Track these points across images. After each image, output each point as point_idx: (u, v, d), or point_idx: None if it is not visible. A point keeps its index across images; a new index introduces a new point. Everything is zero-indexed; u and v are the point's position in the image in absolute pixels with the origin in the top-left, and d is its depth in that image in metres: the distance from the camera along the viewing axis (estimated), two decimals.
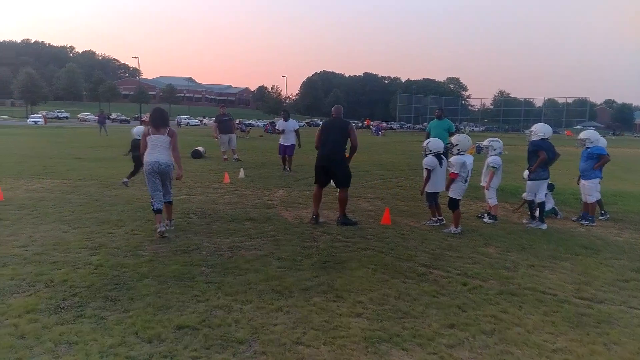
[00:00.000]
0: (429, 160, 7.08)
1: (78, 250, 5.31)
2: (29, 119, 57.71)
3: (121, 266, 4.83)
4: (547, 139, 7.51)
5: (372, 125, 69.40)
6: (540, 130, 7.52)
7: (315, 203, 7.28)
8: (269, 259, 5.26)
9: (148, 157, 6.28)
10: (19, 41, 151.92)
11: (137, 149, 10.57)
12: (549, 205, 8.07)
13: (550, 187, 8.13)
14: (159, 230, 6.06)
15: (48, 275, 4.48)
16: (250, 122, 58.47)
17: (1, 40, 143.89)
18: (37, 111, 72.50)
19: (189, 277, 4.59)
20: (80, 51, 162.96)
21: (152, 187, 6.25)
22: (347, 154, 7.31)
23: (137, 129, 11.32)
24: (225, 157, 16.16)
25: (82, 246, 5.47)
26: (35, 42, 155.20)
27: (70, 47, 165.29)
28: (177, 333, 3.46)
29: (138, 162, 10.37)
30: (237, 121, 31.73)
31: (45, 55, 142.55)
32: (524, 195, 7.74)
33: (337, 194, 7.35)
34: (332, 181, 7.43)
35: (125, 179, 10.12)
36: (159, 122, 6.43)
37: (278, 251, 5.58)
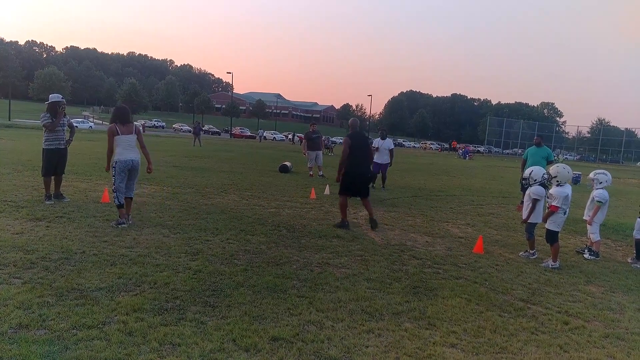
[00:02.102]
0: (538, 190, 6.72)
1: (178, 255, 5.62)
2: None
3: (218, 273, 5.05)
4: None
5: (458, 147, 67.55)
6: None
7: (345, 211, 8.10)
8: (358, 279, 5.25)
9: (122, 155, 6.88)
10: (125, 54, 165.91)
11: None
12: None
13: None
14: (122, 225, 6.73)
15: (152, 277, 4.76)
16: (333, 139, 58.89)
17: (109, 52, 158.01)
18: (136, 119, 78.39)
19: (281, 289, 4.70)
20: (179, 65, 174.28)
21: (121, 183, 6.92)
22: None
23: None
24: (311, 173, 16.47)
25: (182, 251, 5.79)
26: (139, 54, 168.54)
27: (170, 60, 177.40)
28: (272, 344, 3.54)
29: None
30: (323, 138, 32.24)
31: (147, 67, 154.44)
32: (635, 233, 7.13)
33: (364, 203, 8.25)
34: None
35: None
36: (127, 118, 7.06)
37: (367, 272, 5.55)
